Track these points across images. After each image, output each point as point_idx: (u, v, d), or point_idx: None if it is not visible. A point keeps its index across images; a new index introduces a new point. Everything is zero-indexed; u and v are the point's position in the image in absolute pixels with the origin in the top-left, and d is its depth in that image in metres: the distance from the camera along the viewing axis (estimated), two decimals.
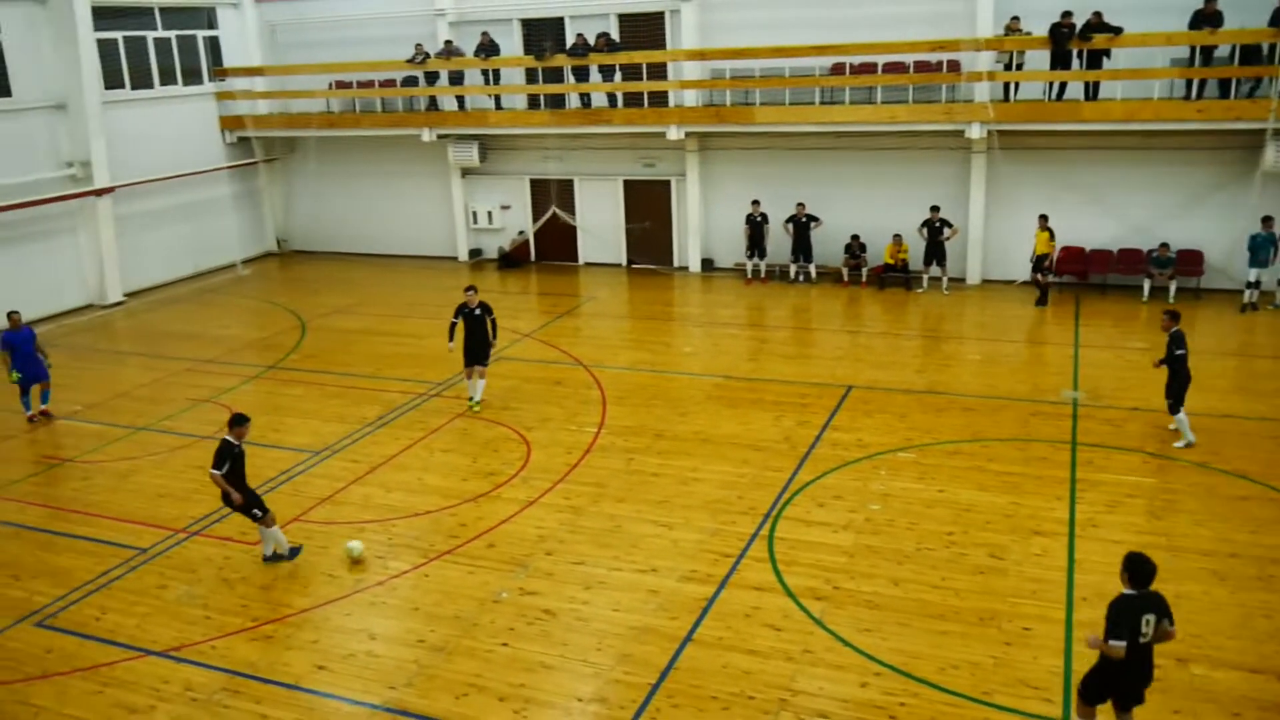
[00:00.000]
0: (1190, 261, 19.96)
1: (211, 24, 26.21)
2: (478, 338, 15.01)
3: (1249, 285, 18.95)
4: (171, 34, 24.94)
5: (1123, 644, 7.10)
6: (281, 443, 14.26)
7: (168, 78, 24.94)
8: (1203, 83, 19.05)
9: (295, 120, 26.18)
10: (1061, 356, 16.78)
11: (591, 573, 10.47)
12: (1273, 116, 18.09)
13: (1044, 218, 19.84)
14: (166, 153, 24.48)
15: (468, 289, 15.19)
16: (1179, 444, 12.88)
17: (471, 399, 15.23)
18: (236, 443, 10.53)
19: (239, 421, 10.64)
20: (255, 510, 10.70)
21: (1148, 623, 7.21)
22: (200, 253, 25.77)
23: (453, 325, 15.06)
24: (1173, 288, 19.79)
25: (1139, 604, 7.22)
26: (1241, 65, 18.61)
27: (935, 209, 20.88)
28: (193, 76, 25.67)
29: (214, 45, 26.24)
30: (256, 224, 27.84)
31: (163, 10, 24.66)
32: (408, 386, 16.38)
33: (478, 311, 14.97)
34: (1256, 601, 9.49)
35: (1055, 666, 8.66)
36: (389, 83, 25.27)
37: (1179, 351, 12.78)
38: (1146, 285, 20.02)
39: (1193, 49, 18.93)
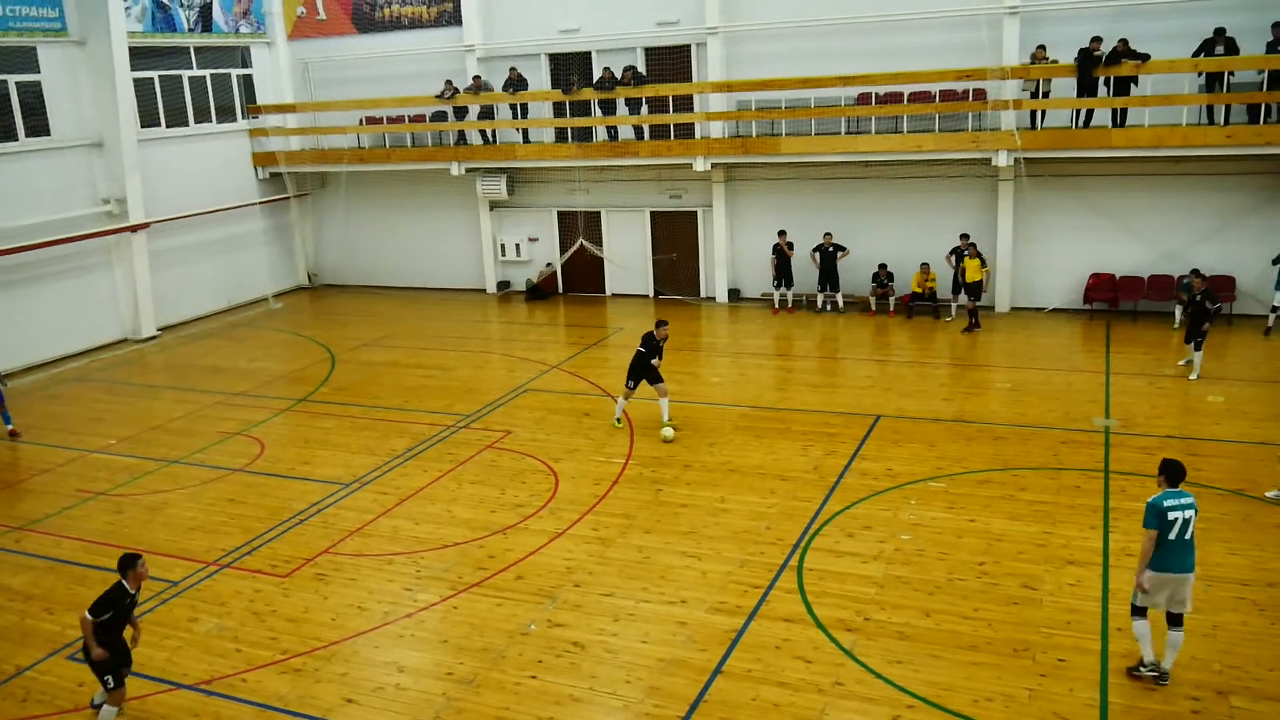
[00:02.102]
0: (1221, 287, 19.73)
1: (245, 62, 26.73)
2: (648, 363, 15.33)
3: (1273, 309, 18.77)
4: (206, 73, 25.44)
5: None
6: (311, 475, 14.36)
7: (202, 115, 25.41)
8: (1229, 108, 18.96)
9: (326, 156, 26.56)
10: (1093, 384, 16.61)
11: (620, 604, 10.43)
12: None
13: (974, 246, 20.07)
14: (200, 189, 24.90)
15: (662, 324, 15.62)
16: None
17: (619, 424, 15.69)
18: (132, 590, 8.74)
19: (130, 564, 8.74)
20: (108, 678, 8.65)
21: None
22: (233, 287, 26.13)
23: (647, 356, 15.34)
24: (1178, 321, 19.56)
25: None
26: (1270, 90, 18.50)
27: (965, 236, 20.81)
28: (226, 114, 26.15)
29: (248, 83, 26.73)
30: (288, 258, 28.21)
31: (198, 50, 25.17)
32: (436, 419, 16.47)
33: (660, 344, 15.43)
34: None
35: (1091, 699, 8.52)
36: (418, 118, 25.61)
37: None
38: (1178, 311, 19.81)
39: (1210, 76, 18.86)
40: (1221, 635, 9.32)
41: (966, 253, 20.32)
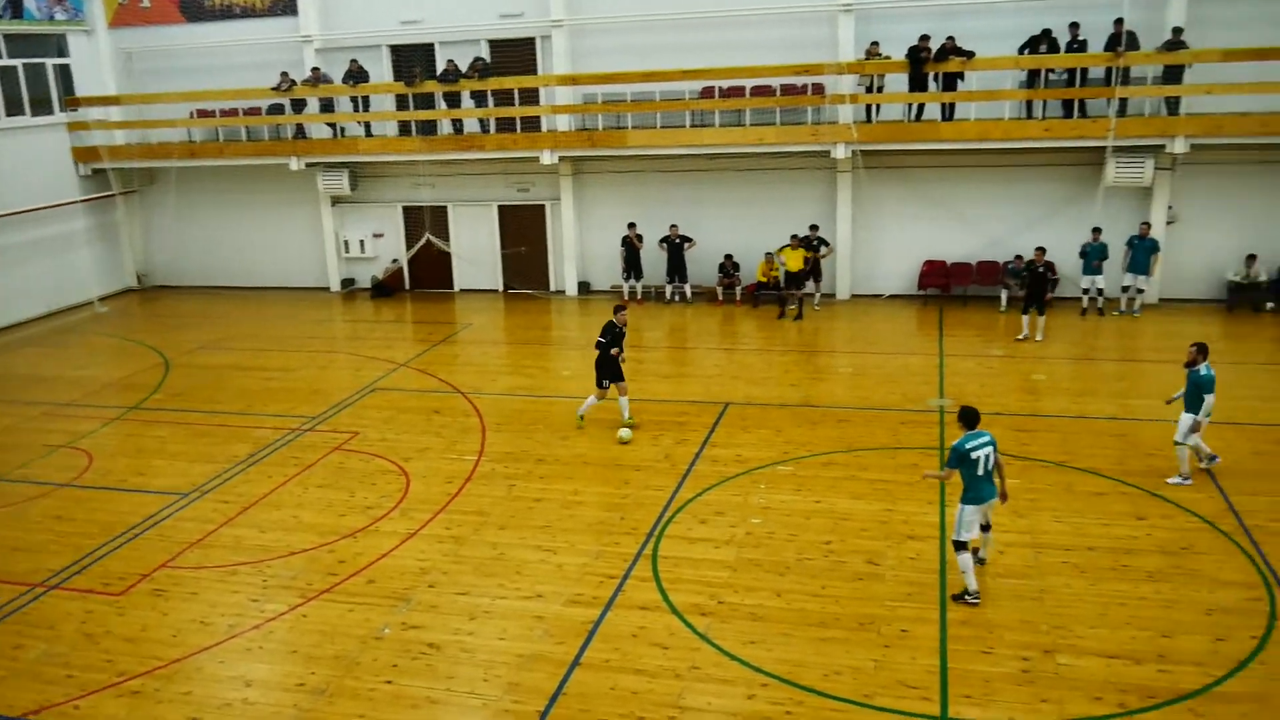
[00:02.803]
0: None
1: (62, 51, 25.14)
2: (614, 358, 14.81)
3: (1085, 292, 20.11)
4: (18, 62, 23.82)
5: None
6: (146, 486, 13.68)
7: (14, 108, 23.78)
8: (1046, 103, 20.15)
9: (154, 151, 25.28)
10: (928, 366, 17.39)
11: (476, 602, 10.34)
12: (1111, 134, 19.24)
13: (795, 237, 20.96)
14: (14, 187, 23.31)
15: (618, 309, 15.04)
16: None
17: (580, 423, 15.18)
18: None
19: None
20: None
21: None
22: (54, 291, 24.59)
23: (605, 344, 14.79)
24: (1011, 296, 20.71)
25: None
26: (1081, 87, 19.77)
27: (814, 228, 21.47)
28: (42, 106, 24.55)
29: (65, 73, 25.16)
30: (114, 259, 26.73)
31: (7, 38, 23.55)
32: (280, 422, 15.94)
33: (623, 333, 14.88)
34: (1112, 591, 9.98)
35: (932, 666, 8.93)
36: (254, 111, 24.66)
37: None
38: (1004, 296, 20.96)
39: (1031, 72, 20.02)
40: (1048, 599, 9.91)
41: (788, 244, 20.98)
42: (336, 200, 25.27)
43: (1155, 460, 13.01)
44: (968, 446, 9.79)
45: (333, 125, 24.23)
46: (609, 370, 14.81)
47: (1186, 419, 12.20)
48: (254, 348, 20.78)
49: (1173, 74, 19.27)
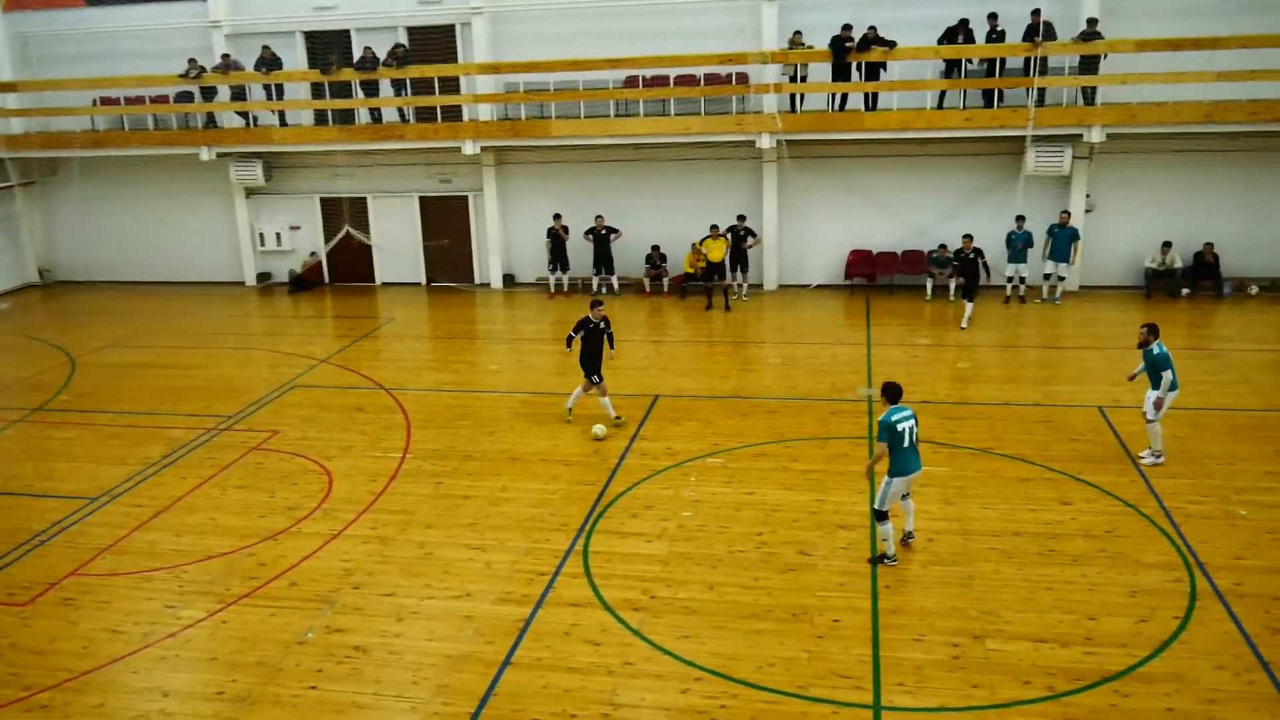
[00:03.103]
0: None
1: None
2: (597, 354, 14.38)
3: (1009, 280, 20.46)
4: None
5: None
6: (53, 491, 13.09)
7: None
8: (967, 92, 20.43)
9: (55, 140, 24.29)
10: (856, 355, 17.51)
11: (403, 603, 10.08)
12: (1030, 124, 19.57)
13: (715, 227, 20.98)
14: None
15: (596, 304, 14.51)
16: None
17: (569, 417, 14.77)
18: None
19: None
20: None
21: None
22: None
23: (570, 340, 14.41)
24: (952, 285, 21.07)
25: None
26: (1000, 77, 20.09)
27: (741, 218, 21.47)
28: None
29: None
30: (14, 254, 25.68)
31: None
32: (195, 422, 15.40)
33: (602, 326, 14.35)
34: (1039, 576, 10.11)
35: (865, 655, 8.93)
36: (161, 98, 23.80)
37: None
38: (929, 284, 21.24)
39: (950, 62, 20.27)
40: (977, 585, 10.00)
41: (708, 234, 20.99)
42: (250, 192, 24.56)
43: (1079, 445, 13.27)
44: (894, 419, 10.11)
45: (245, 114, 23.54)
46: (592, 363, 14.43)
47: (1151, 395, 12.54)
48: (165, 345, 20.08)
49: (1089, 64, 19.68)
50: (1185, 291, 20.61)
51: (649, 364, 17.66)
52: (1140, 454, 12.77)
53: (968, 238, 19.11)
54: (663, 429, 14.40)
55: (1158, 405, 12.44)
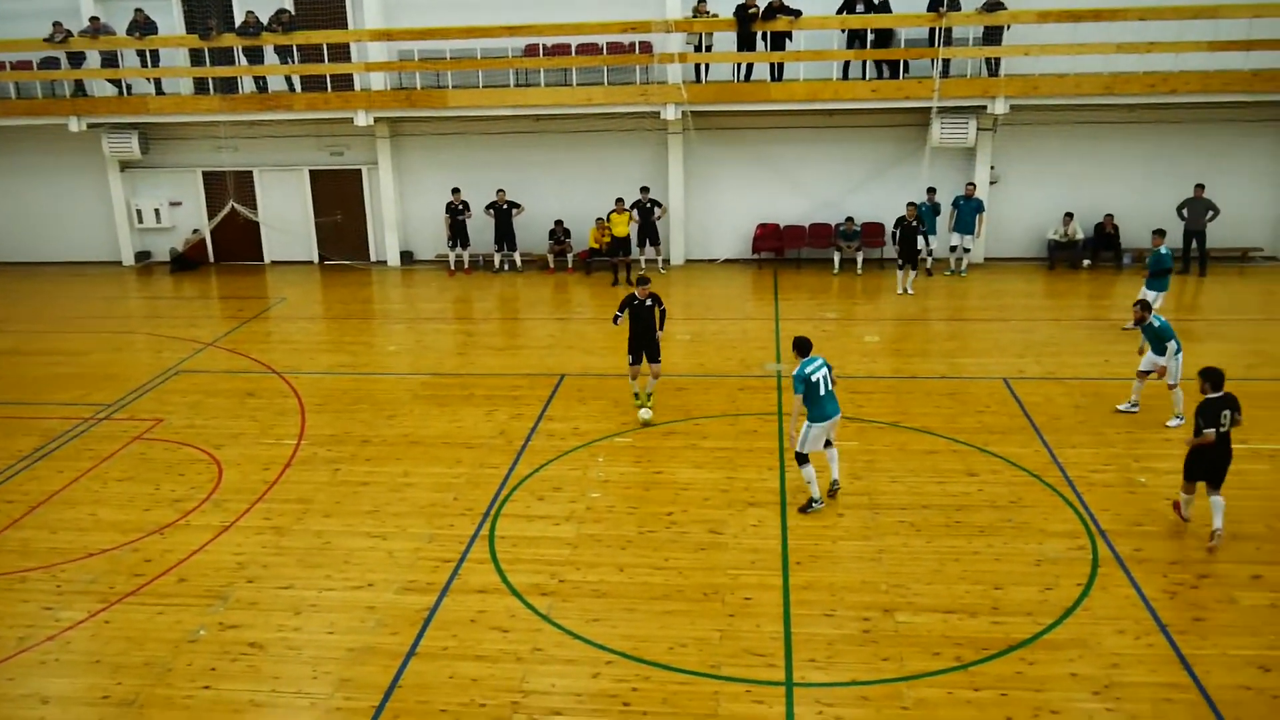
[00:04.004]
0: (874, 234, 21.50)
1: None
2: (648, 332, 13.53)
3: (917, 252, 20.73)
4: None
5: (1212, 431, 9.84)
6: None
7: None
8: (871, 63, 20.53)
9: None
10: (764, 331, 17.51)
11: (301, 596, 9.66)
12: (935, 95, 19.75)
13: (620, 201, 20.84)
14: None
15: (640, 281, 13.66)
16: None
17: (640, 404, 13.77)
18: None
19: None
20: None
21: (1225, 416, 9.90)
22: None
23: (616, 318, 13.73)
24: (860, 259, 21.23)
25: (1218, 403, 9.89)
26: (906, 48, 20.25)
27: (645, 190, 21.22)
28: None
29: None
30: None
31: None
32: (71, 411, 14.57)
33: (648, 303, 13.51)
34: (947, 548, 10.19)
35: (776, 632, 8.87)
36: (24, 64, 22.37)
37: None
38: (836, 258, 21.37)
39: (853, 33, 20.33)
40: (886, 558, 10.03)
41: (614, 208, 20.76)
42: (126, 165, 23.36)
43: (985, 417, 13.46)
44: (807, 371, 10.64)
45: (117, 82, 22.31)
46: (641, 343, 13.70)
47: (1161, 361, 12.99)
48: (36, 329, 19.05)
49: (992, 35, 19.99)
50: (1086, 263, 21.16)
51: (554, 342, 17.37)
52: (1169, 422, 13.04)
53: (911, 205, 19.35)
54: (570, 409, 14.15)
55: (1168, 372, 12.93)
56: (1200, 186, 19.93)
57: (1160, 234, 16.89)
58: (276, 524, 11.08)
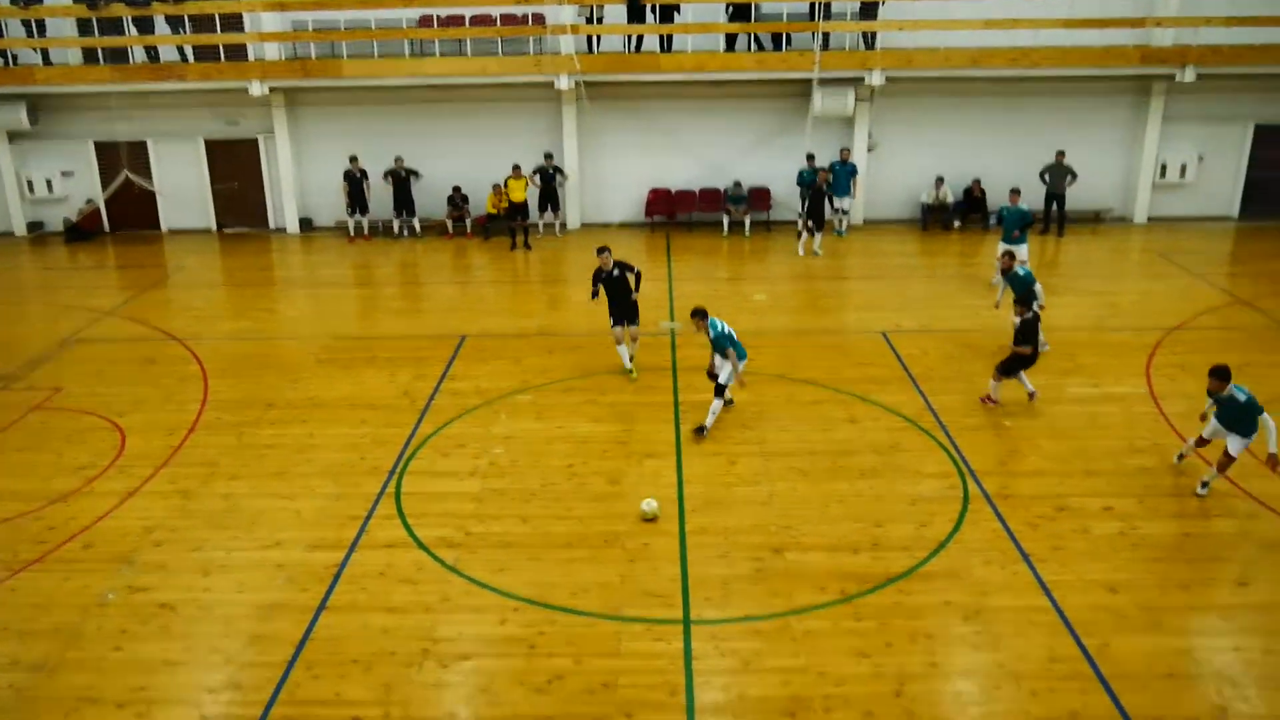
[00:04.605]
0: (760, 198, 22.15)
1: None
2: (623, 298, 13.77)
3: (799, 216, 21.39)
4: None
5: (1030, 346, 12.36)
6: None
7: None
8: (756, 36, 21.08)
9: None
10: (658, 290, 17.95)
11: (210, 557, 9.83)
12: (816, 67, 20.41)
13: (517, 167, 21.13)
14: None
15: (600, 251, 13.75)
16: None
17: (631, 372, 14.05)
18: None
19: None
20: None
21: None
22: None
23: (594, 293, 13.87)
24: (748, 222, 21.87)
25: (1035, 323, 12.37)
26: (788, 21, 20.84)
27: (549, 156, 21.48)
28: None
29: None
30: None
31: None
32: None
33: (616, 273, 13.64)
34: (831, 490, 10.84)
35: (674, 574, 9.36)
36: None
37: None
38: (725, 221, 21.95)
39: (738, 6, 20.85)
40: (776, 501, 10.63)
41: (511, 174, 21.00)
42: (14, 136, 22.64)
43: (866, 368, 14.18)
44: (723, 328, 12.04)
45: (3, 52, 21.58)
46: (621, 308, 14.00)
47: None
48: None
49: (869, 11, 20.77)
50: (956, 224, 22.12)
51: (454, 305, 17.60)
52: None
53: (823, 170, 20.06)
54: (471, 368, 14.44)
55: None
56: (1061, 153, 21.05)
57: (1016, 192, 18.01)
58: (183, 488, 11.18)
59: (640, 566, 9.51)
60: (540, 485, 11.08)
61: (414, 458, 11.77)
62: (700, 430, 12.06)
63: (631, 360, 14.17)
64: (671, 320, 16.16)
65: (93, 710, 7.82)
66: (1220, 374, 10.27)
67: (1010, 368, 12.59)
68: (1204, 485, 10.69)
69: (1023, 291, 13.18)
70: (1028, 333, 12.30)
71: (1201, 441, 10.85)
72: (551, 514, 10.48)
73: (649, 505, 10.32)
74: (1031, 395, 12.89)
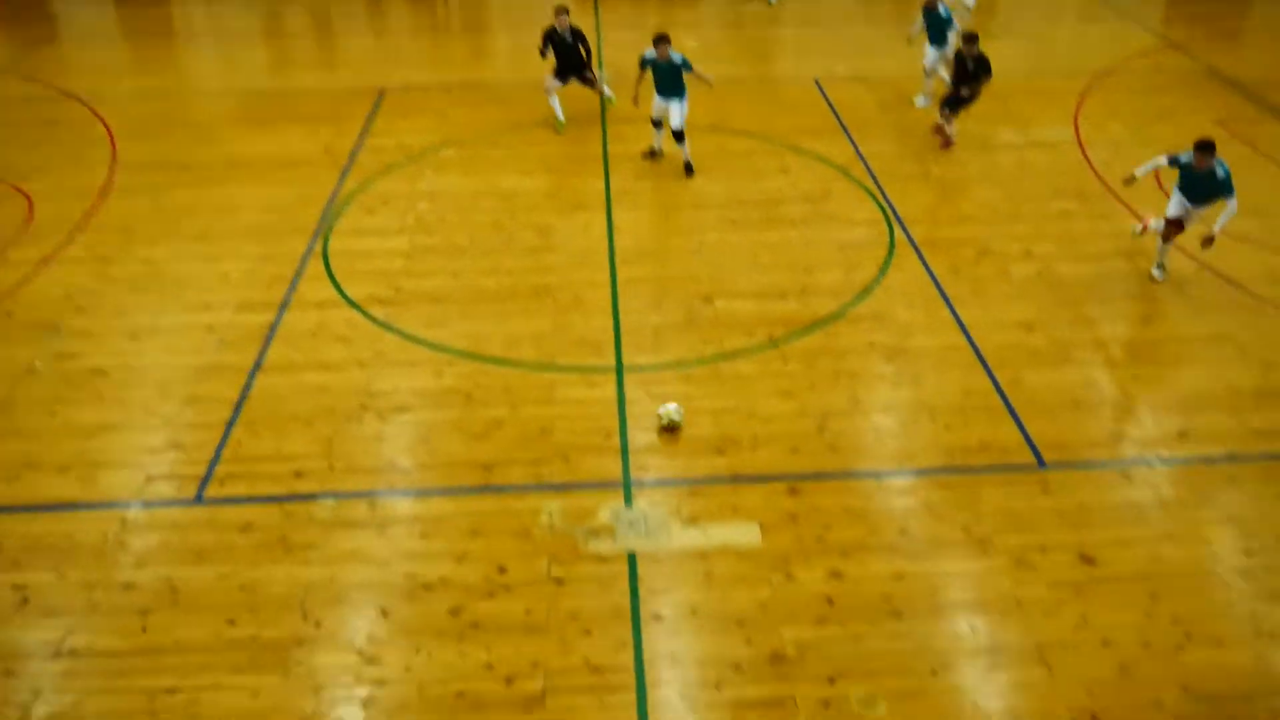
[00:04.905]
0: None
1: None
2: (573, 62, 13.39)
3: None
4: None
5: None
6: None
7: None
8: None
9: None
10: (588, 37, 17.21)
11: (136, 321, 9.71)
12: None
13: None
14: None
15: (559, 11, 12.87)
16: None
17: (561, 121, 13.70)
18: None
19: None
20: None
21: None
22: None
23: (544, 53, 13.34)
24: None
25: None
26: None
27: None
28: None
29: None
30: None
31: None
32: None
33: (570, 39, 12.94)
34: (760, 239, 10.93)
35: (606, 325, 9.52)
36: None
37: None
38: None
39: None
40: (706, 251, 10.71)
41: None
42: None
43: (799, 118, 13.98)
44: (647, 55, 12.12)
45: None
46: (572, 68, 13.46)
47: (931, 51, 13.77)
48: None
49: None
50: None
51: (371, 57, 16.75)
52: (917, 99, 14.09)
53: None
54: (393, 123, 13.95)
55: (940, 60, 13.95)
56: None
57: None
58: (101, 254, 10.88)
59: (572, 317, 9.64)
60: (469, 240, 10.99)
61: (340, 216, 11.54)
62: (689, 168, 12.30)
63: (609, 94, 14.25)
64: (600, 67, 15.60)
65: (34, 475, 7.89)
66: (1206, 148, 9.35)
67: (954, 103, 12.80)
68: (1159, 268, 10.17)
69: (942, 28, 13.30)
70: (981, 69, 12.51)
71: (1173, 225, 9.90)
72: (482, 269, 10.46)
73: (667, 410, 8.25)
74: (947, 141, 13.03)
